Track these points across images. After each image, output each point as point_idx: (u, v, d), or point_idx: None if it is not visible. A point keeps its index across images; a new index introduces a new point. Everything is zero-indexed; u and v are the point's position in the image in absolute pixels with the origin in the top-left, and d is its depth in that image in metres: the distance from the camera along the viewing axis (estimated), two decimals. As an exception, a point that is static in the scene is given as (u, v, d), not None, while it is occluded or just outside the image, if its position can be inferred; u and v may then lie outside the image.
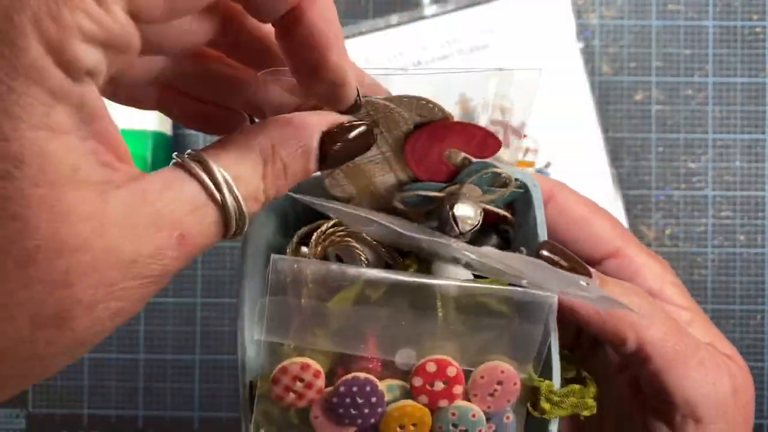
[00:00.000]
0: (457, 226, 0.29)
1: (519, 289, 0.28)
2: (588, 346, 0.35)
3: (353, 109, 0.25)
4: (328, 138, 0.24)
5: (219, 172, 0.21)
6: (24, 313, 0.19)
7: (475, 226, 0.29)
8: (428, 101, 0.26)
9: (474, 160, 0.29)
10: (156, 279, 0.21)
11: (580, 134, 0.48)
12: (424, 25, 0.49)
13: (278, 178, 0.23)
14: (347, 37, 0.49)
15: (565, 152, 0.48)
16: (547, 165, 0.48)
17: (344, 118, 0.25)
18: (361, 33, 0.49)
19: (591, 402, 0.29)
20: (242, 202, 0.22)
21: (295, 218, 0.33)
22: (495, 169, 0.29)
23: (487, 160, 0.28)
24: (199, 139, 0.50)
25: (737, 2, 0.50)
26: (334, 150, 0.24)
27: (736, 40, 0.50)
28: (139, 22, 0.20)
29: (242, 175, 0.22)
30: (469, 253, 0.27)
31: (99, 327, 0.20)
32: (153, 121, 0.46)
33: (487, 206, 0.30)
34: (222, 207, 0.21)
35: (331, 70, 0.23)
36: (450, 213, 0.29)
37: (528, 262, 0.28)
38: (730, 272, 0.50)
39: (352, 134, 0.25)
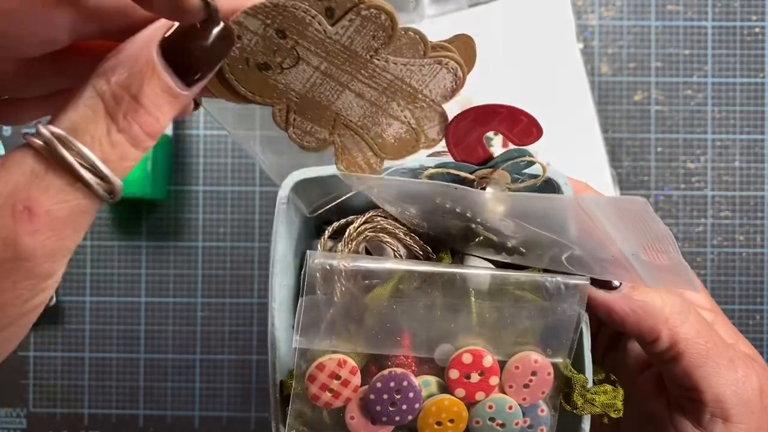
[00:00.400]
0: None
1: (552, 276, 0.28)
2: (604, 347, 0.36)
3: (208, 21, 0.20)
4: (171, 45, 0.20)
5: (46, 130, 0.19)
6: None
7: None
8: None
9: (511, 146, 0.28)
10: (15, 265, 0.19)
11: (579, 134, 0.48)
12: (424, 26, 0.49)
13: (132, 111, 0.20)
14: None
15: (564, 152, 0.48)
16: (546, 165, 0.48)
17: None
18: None
19: (620, 404, 0.30)
20: (89, 153, 0.19)
21: (318, 221, 0.33)
22: (530, 158, 0.28)
23: (523, 147, 0.28)
24: (200, 138, 0.51)
25: (736, 3, 0.50)
26: (186, 56, 0.20)
27: (735, 41, 0.50)
28: None
29: (79, 123, 0.19)
30: (511, 204, 0.26)
31: None
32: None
33: (512, 193, 0.29)
34: (66, 166, 0.19)
35: None
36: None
37: (618, 203, 0.25)
38: (729, 272, 0.50)
39: (202, 32, 0.20)
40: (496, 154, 0.28)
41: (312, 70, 0.23)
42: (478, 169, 0.28)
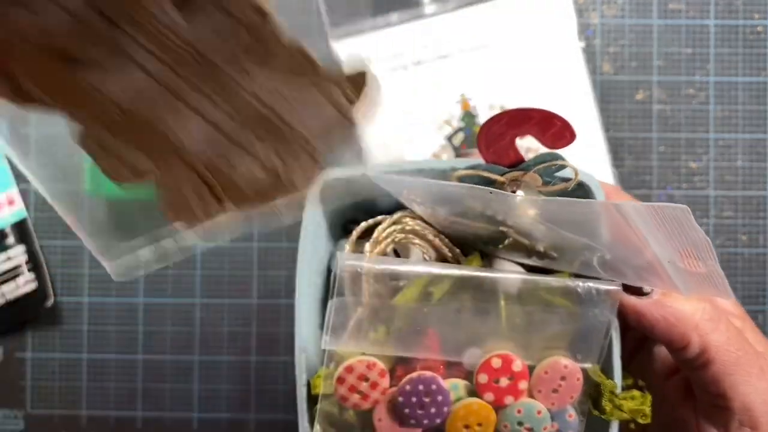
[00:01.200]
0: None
1: (584, 281, 0.27)
2: (630, 351, 0.35)
3: None
4: None
5: None
6: None
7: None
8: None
9: (544, 150, 0.28)
10: None
11: (581, 134, 0.48)
12: (424, 24, 0.49)
13: None
14: (347, 36, 0.49)
15: (566, 152, 0.48)
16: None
17: None
18: (360, 32, 0.49)
19: (648, 410, 0.29)
20: None
21: (342, 221, 0.33)
22: (562, 162, 0.28)
23: (556, 151, 0.28)
24: (199, 138, 0.50)
25: (739, 1, 0.50)
26: None
27: (738, 40, 0.50)
28: None
29: None
30: (545, 208, 0.25)
31: None
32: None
33: (547, 197, 0.29)
34: None
35: None
36: None
37: (657, 210, 0.23)
38: (731, 272, 0.50)
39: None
40: (528, 157, 0.28)
41: (144, 78, 0.17)
42: (508, 172, 0.28)
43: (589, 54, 0.50)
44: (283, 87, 0.17)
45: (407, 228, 0.30)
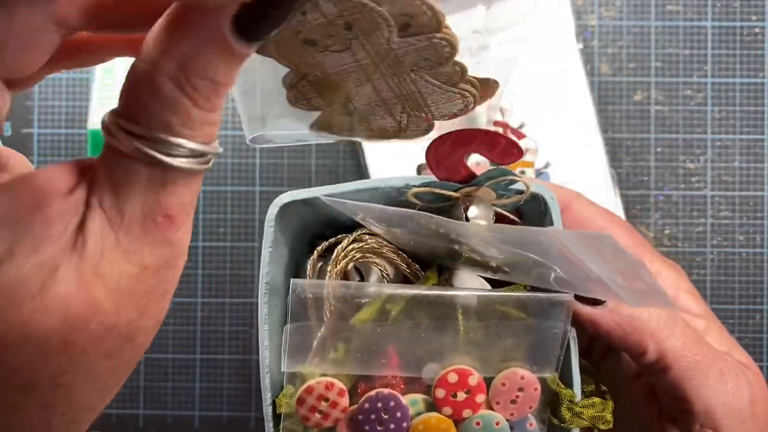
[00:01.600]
0: None
1: (536, 294, 0.28)
2: (600, 354, 0.35)
3: None
4: (239, 18, 0.19)
5: (142, 136, 0.19)
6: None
7: None
8: None
9: (494, 166, 0.29)
10: (174, 263, 0.20)
11: (579, 134, 0.48)
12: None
13: (211, 92, 0.19)
14: None
15: (564, 152, 0.48)
16: (547, 165, 0.48)
17: None
18: None
19: (609, 416, 0.30)
20: (190, 144, 0.19)
21: (308, 240, 0.33)
22: (513, 177, 0.29)
23: (505, 167, 0.29)
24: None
25: (736, 3, 0.50)
26: (253, 23, 0.19)
27: (735, 41, 0.50)
28: None
29: (172, 122, 0.19)
30: (491, 233, 0.27)
31: (156, 320, 0.21)
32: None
33: (500, 210, 0.30)
34: (176, 166, 0.19)
35: None
36: (464, 216, 0.29)
37: (586, 238, 0.25)
38: (729, 272, 0.50)
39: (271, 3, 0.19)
40: (479, 173, 0.29)
41: (351, 60, 0.23)
42: (462, 188, 0.29)
43: (588, 55, 0.50)
44: (438, 85, 0.24)
45: (366, 246, 0.30)
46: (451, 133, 0.27)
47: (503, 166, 0.29)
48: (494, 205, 0.29)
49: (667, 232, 0.50)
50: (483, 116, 0.31)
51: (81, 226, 0.19)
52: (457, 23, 0.26)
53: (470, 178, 0.29)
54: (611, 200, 0.48)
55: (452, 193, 0.29)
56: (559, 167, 0.48)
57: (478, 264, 0.29)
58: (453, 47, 0.23)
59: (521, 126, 0.48)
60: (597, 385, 0.31)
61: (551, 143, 0.48)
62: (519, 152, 0.28)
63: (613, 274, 0.26)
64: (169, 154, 0.19)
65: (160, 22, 0.19)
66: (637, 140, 0.50)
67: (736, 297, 0.50)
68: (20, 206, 0.18)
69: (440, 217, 0.26)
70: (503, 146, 0.27)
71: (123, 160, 0.19)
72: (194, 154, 0.19)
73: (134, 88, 0.19)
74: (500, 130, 0.48)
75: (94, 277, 0.19)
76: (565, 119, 0.48)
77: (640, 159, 0.50)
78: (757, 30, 0.50)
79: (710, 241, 0.50)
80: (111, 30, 0.22)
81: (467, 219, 0.29)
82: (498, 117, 0.48)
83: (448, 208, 0.30)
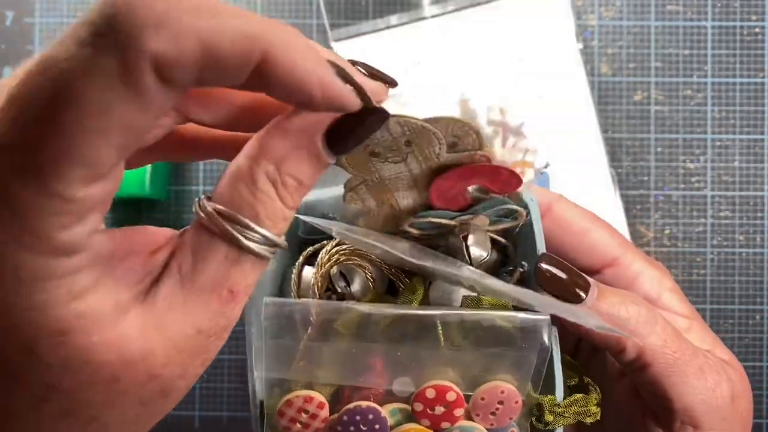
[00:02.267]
0: (470, 257, 0.29)
1: (517, 314, 0.28)
2: (588, 352, 0.36)
3: (365, 110, 0.23)
4: (331, 133, 0.23)
5: (230, 221, 0.22)
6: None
7: (485, 259, 0.30)
8: (463, 122, 0.26)
9: (492, 195, 0.30)
10: (224, 329, 0.23)
11: (579, 135, 0.48)
12: (424, 26, 0.49)
13: (295, 192, 0.23)
14: (347, 38, 0.49)
15: (564, 153, 0.48)
16: (546, 165, 0.48)
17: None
18: (360, 34, 0.49)
19: (594, 409, 0.30)
20: (268, 234, 0.23)
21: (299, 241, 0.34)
22: (510, 206, 0.30)
23: (501, 196, 0.29)
24: (200, 139, 0.51)
25: (736, 3, 0.50)
26: (342, 137, 0.23)
27: (735, 41, 0.50)
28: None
29: (260, 212, 0.22)
30: (475, 280, 0.28)
31: (188, 384, 0.24)
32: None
33: (495, 236, 0.30)
34: (252, 250, 0.22)
35: (322, 104, 0.22)
36: (463, 245, 0.30)
37: (530, 294, 0.28)
38: (729, 272, 0.50)
39: (359, 119, 0.23)
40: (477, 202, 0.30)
41: (405, 170, 0.28)
42: (458, 216, 0.29)
43: (588, 55, 0.50)
44: (454, 159, 0.28)
45: (350, 249, 0.31)
46: (453, 171, 0.28)
47: (502, 196, 0.29)
48: (488, 231, 0.30)
49: (667, 231, 0.50)
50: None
51: (156, 281, 0.22)
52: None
53: (467, 207, 0.30)
54: (611, 200, 0.48)
55: (449, 222, 0.29)
56: (558, 167, 0.48)
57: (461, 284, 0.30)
58: (489, 161, 0.28)
59: (521, 125, 0.48)
60: (581, 378, 0.31)
61: (551, 143, 0.48)
62: (519, 182, 0.29)
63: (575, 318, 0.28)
64: (248, 238, 0.22)
65: (267, 127, 0.23)
66: (637, 140, 0.50)
67: (736, 297, 0.50)
68: (116, 251, 0.21)
69: (434, 266, 0.27)
70: (505, 177, 0.28)
71: (208, 236, 0.22)
72: (268, 243, 0.22)
73: (233, 179, 0.22)
74: (498, 129, 0.48)
75: (156, 328, 0.21)
76: (565, 119, 0.48)
77: (640, 159, 0.50)
78: (757, 30, 0.50)
79: (710, 241, 0.50)
80: (227, 127, 0.26)
81: (467, 250, 0.30)
82: (496, 116, 0.48)
83: (445, 234, 0.30)
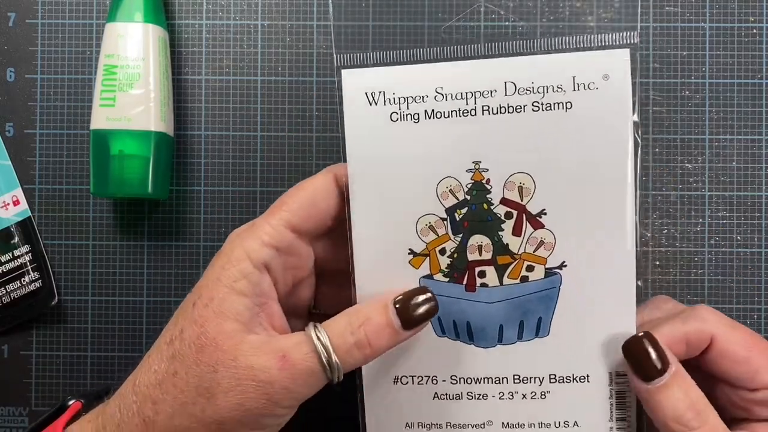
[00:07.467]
0: None
1: None
2: None
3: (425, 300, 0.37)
4: (402, 306, 0.35)
5: (315, 327, 0.35)
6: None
7: None
8: None
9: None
10: (264, 384, 0.33)
11: (608, 237, 0.38)
12: (448, 69, 0.38)
13: (362, 347, 0.34)
14: (355, 65, 0.39)
15: (586, 253, 0.38)
16: (562, 265, 0.38)
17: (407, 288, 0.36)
18: (371, 63, 0.39)
19: None
20: (330, 348, 0.34)
21: None
22: None
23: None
24: (201, 138, 0.51)
25: (734, 4, 0.51)
26: (413, 313, 0.35)
27: (733, 42, 0.51)
28: (296, 233, 0.37)
29: (333, 332, 0.34)
30: None
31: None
32: (157, 123, 0.46)
33: None
34: (315, 348, 0.34)
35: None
36: None
37: None
38: (726, 272, 0.50)
39: (420, 299, 0.35)
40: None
41: None
42: None
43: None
44: None
45: None
46: None
47: None
48: None
49: (665, 232, 0.50)
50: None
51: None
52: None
53: None
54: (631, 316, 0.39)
55: None
56: (575, 270, 0.38)
57: None
58: None
59: (542, 212, 0.38)
60: None
61: (573, 239, 0.38)
62: None
63: None
64: (328, 365, 0.35)
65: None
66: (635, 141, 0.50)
67: (733, 296, 0.50)
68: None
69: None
70: None
71: (311, 346, 0.35)
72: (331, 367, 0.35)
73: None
74: (513, 212, 0.38)
75: None
76: (596, 215, 0.38)
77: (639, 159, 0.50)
78: (755, 31, 0.51)
79: (708, 241, 0.50)
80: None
81: None
82: (514, 196, 0.38)
83: None
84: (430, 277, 0.38)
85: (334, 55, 0.38)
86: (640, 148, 0.39)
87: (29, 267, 0.50)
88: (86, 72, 0.51)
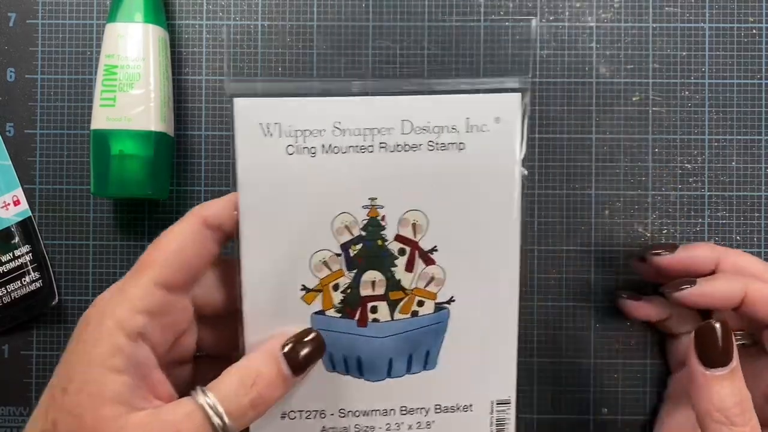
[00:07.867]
0: None
1: None
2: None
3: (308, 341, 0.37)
4: (291, 351, 0.35)
5: (203, 392, 0.33)
6: None
7: None
8: None
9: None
10: None
11: (495, 274, 0.39)
12: (347, 104, 0.37)
13: (256, 405, 0.34)
14: (248, 94, 0.37)
15: (473, 289, 0.39)
16: (450, 300, 0.39)
17: (294, 331, 0.36)
18: (263, 93, 0.38)
19: None
20: (223, 413, 0.32)
21: None
22: None
23: None
24: (201, 138, 0.51)
25: (733, 5, 0.51)
26: (301, 357, 0.35)
27: (733, 43, 0.51)
28: (168, 290, 0.35)
29: (225, 395, 0.33)
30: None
31: None
32: (157, 123, 0.47)
33: None
34: (208, 417, 0.32)
35: None
36: None
37: None
38: (726, 272, 0.50)
39: (306, 339, 0.35)
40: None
41: None
42: None
43: (586, 57, 0.51)
44: None
45: None
46: None
47: None
48: None
49: (664, 232, 0.51)
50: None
51: None
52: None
53: None
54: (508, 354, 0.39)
55: None
56: (463, 304, 0.39)
57: None
58: None
59: (433, 250, 0.38)
60: None
61: (461, 275, 0.39)
62: None
63: None
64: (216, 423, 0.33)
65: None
66: (635, 141, 0.51)
67: (733, 296, 0.50)
68: None
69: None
70: None
71: (196, 407, 0.33)
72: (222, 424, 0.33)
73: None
74: (406, 249, 0.38)
75: None
76: (483, 252, 0.39)
77: (638, 159, 0.51)
78: (754, 31, 0.51)
79: (707, 242, 0.50)
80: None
81: None
82: (408, 233, 0.38)
83: None
84: (321, 312, 0.37)
85: (226, 83, 0.37)
86: (524, 180, 0.38)
87: (29, 267, 0.50)
88: (86, 72, 0.51)
